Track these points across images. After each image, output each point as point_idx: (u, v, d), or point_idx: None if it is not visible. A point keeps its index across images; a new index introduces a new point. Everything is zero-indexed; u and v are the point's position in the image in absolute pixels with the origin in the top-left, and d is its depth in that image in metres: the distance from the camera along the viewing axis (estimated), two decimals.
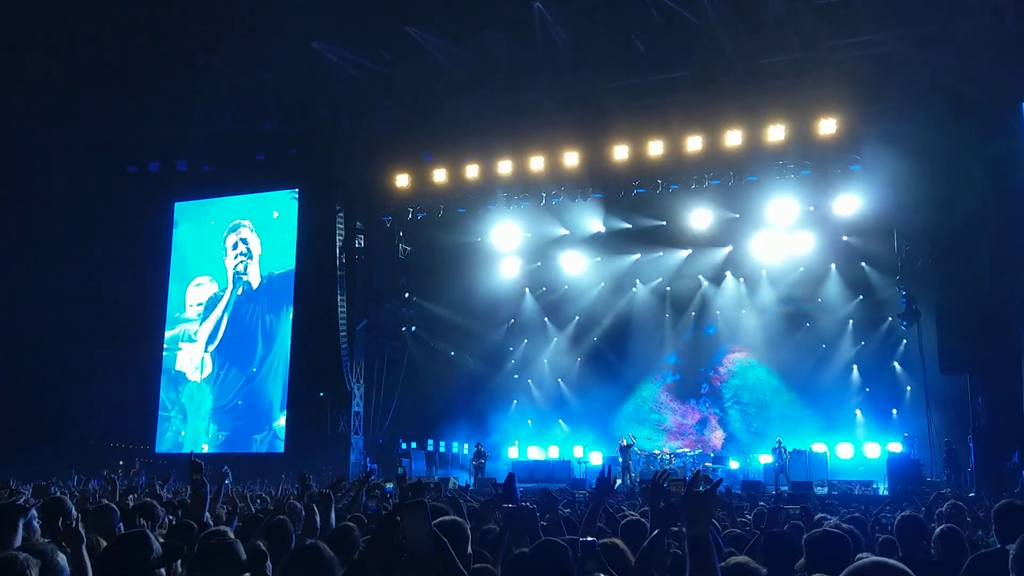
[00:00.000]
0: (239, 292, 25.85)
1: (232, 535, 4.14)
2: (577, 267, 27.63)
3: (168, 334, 26.36)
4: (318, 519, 5.78)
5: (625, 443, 23.11)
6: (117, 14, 21.10)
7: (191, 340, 26.19)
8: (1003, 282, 18.09)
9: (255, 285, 25.72)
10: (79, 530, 3.77)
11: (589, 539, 3.79)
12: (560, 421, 27.71)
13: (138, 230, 26.68)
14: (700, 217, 24.14)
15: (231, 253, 26.16)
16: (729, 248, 25.92)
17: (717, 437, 26.53)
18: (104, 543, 4.05)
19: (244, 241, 26.06)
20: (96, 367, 25.01)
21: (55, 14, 21.13)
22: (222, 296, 26.04)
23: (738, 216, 24.27)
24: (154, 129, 24.65)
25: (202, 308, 26.20)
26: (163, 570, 3.49)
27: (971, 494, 14.68)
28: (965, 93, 18.53)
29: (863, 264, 24.45)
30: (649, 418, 27.28)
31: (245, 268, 25.96)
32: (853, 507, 11.30)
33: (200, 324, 26.13)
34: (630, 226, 25.53)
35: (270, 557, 4.08)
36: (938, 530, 5.31)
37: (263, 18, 21.10)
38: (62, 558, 3.23)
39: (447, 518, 3.62)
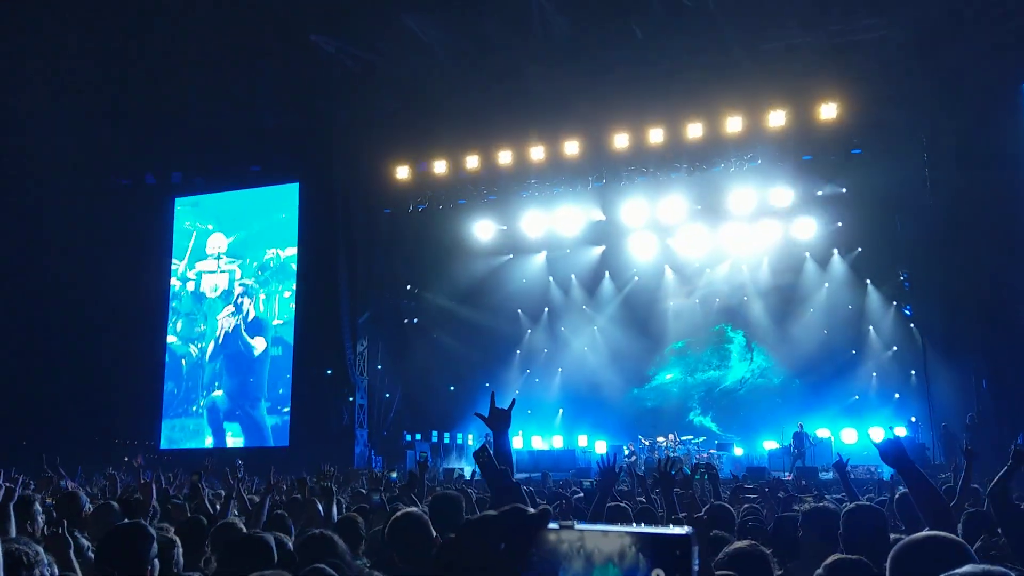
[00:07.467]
0: (237, 287, 25.79)
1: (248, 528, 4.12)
2: (579, 257, 27.57)
3: (171, 328, 26.31)
4: (321, 511, 5.77)
5: (633, 449, 22.87)
6: (113, 6, 21.02)
7: (193, 334, 26.16)
8: (1007, 265, 18.04)
9: (250, 280, 25.65)
10: (65, 535, 3.75)
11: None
12: (560, 411, 27.62)
13: (140, 225, 26.62)
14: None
15: (224, 246, 26.13)
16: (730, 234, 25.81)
17: (721, 423, 26.48)
18: None
19: (229, 233, 26.06)
20: (99, 362, 25.00)
21: (49, 13, 21.04)
22: (222, 288, 25.98)
23: (740, 202, 24.08)
24: (150, 134, 24.65)
25: (204, 301, 26.15)
26: (157, 560, 3.47)
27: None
28: (965, 75, 18.46)
29: (859, 249, 24.31)
30: (652, 406, 27.21)
31: (239, 262, 25.94)
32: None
33: (202, 318, 26.09)
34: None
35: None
36: None
37: (259, 11, 20.99)
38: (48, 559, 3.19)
39: (451, 491, 3.63)
